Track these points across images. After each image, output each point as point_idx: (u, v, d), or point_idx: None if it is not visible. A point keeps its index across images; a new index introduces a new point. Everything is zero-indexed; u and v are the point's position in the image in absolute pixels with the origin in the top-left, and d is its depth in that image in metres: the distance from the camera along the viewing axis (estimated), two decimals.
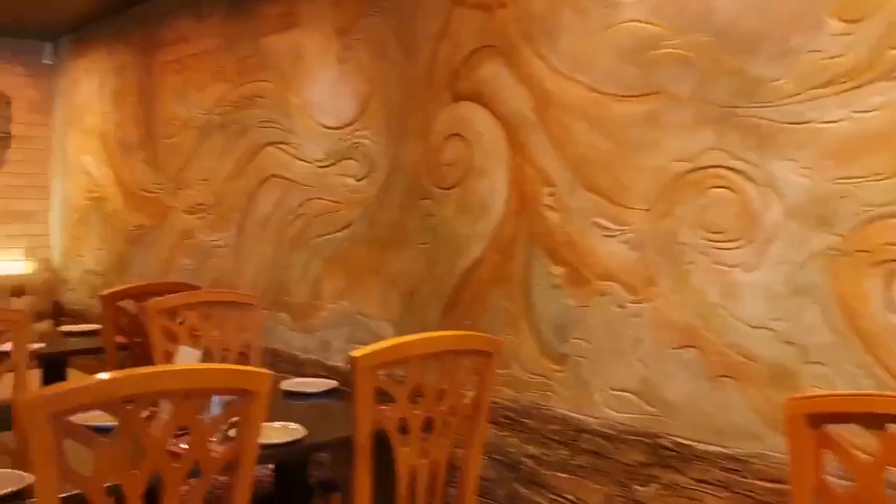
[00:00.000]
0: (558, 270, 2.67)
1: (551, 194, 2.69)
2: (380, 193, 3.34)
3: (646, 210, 2.43)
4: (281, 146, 3.85)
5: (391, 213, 3.29)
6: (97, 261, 5.45)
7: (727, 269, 2.25)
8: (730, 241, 2.26)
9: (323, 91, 3.62)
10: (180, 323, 3.42)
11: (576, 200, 2.61)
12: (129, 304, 3.98)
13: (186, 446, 1.87)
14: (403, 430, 2.22)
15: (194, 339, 3.43)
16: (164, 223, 4.75)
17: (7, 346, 3.01)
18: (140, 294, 4.07)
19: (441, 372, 2.26)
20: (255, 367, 3.60)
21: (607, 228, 2.53)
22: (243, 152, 4.09)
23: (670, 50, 2.36)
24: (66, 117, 5.85)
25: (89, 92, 5.52)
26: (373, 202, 3.37)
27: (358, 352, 2.08)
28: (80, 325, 4.94)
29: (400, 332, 3.26)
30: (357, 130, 3.45)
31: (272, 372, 1.88)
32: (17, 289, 5.72)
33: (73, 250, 5.76)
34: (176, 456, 1.85)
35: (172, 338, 3.46)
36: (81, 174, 5.63)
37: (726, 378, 2.25)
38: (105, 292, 3.83)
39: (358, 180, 3.45)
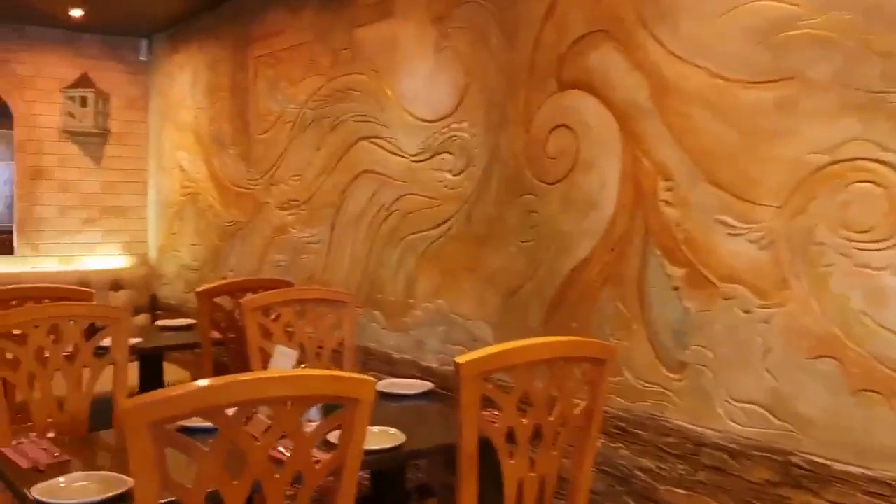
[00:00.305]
0: (677, 271, 2.47)
1: (669, 189, 2.49)
2: (478, 188, 3.20)
3: (777, 207, 2.22)
4: (375, 140, 3.75)
5: (490, 209, 3.15)
6: (193, 256, 5.49)
7: (873, 272, 2.03)
8: (876, 241, 2.03)
9: (418, 83, 3.50)
10: (274, 319, 3.37)
11: (697, 195, 2.42)
12: (224, 300, 3.96)
13: (287, 452, 1.80)
14: (510, 439, 2.09)
15: (289, 336, 3.37)
16: (258, 219, 4.73)
17: (107, 342, 3.01)
18: (235, 290, 4.06)
19: (550, 379, 2.11)
20: (348, 365, 3.54)
21: (732, 226, 2.33)
22: (336, 147, 4.02)
23: (808, 31, 2.14)
24: (161, 113, 5.92)
25: (183, 88, 5.56)
26: (470, 198, 3.24)
27: (463, 358, 1.95)
28: (175, 320, 4.99)
29: (499, 334, 3.12)
30: (454, 123, 3.32)
31: (367, 373, 1.76)
32: (116, 283, 5.83)
33: (168, 245, 5.83)
34: (278, 463, 1.77)
35: (267, 335, 3.42)
36: (176, 170, 5.69)
37: (871, 392, 2.03)
38: (201, 288, 3.82)
39: (454, 175, 3.32)
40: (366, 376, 1.81)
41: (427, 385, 3.19)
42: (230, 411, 1.65)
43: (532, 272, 2.96)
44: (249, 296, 4.00)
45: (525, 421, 2.10)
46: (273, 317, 3.39)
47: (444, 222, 3.36)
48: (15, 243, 5.60)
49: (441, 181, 3.38)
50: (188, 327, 4.84)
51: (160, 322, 5.00)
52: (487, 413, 2.08)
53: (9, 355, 2.78)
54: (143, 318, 5.85)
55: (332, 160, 4.05)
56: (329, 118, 4.07)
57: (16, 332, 2.86)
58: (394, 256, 3.66)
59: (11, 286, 3.72)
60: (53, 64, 5.70)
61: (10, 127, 5.55)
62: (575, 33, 2.79)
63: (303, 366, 2.67)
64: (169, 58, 5.77)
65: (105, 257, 5.95)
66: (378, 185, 3.74)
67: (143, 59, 6.04)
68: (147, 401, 1.58)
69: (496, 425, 2.09)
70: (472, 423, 2.04)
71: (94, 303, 3.63)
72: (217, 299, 3.92)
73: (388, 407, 3.05)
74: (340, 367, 3.49)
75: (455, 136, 3.31)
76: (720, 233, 2.36)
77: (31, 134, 5.61)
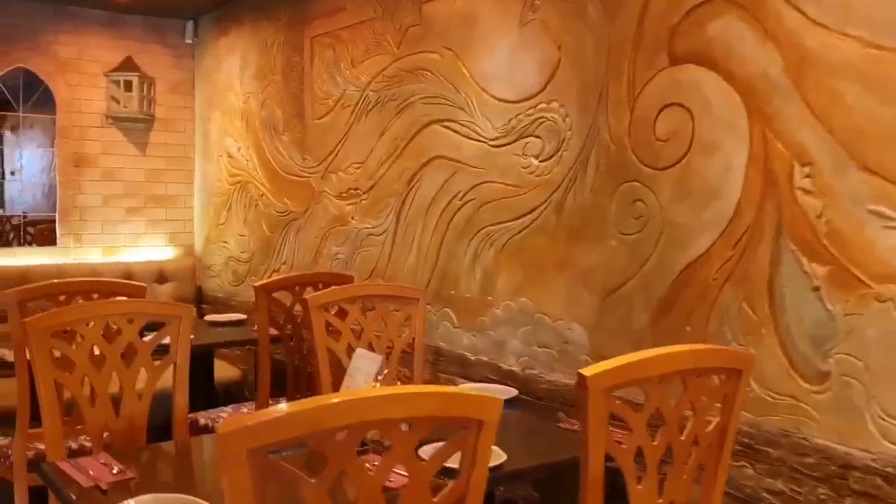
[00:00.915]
0: (818, 269, 2.16)
1: (808, 175, 2.18)
2: (570, 175, 2.91)
3: None
4: (447, 124, 3.47)
5: (585, 198, 2.85)
6: (241, 247, 5.25)
7: None
8: None
9: (499, 60, 3.21)
10: (337, 315, 3.12)
11: (844, 183, 2.10)
12: (282, 296, 3.71)
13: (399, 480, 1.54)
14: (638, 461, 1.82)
15: (356, 335, 3.12)
16: (314, 209, 4.47)
17: (165, 339, 2.77)
18: (294, 285, 3.80)
19: (683, 393, 1.83)
20: (419, 366, 3.26)
21: (890, 218, 2.01)
22: (403, 132, 3.74)
23: None
24: (207, 98, 5.68)
25: (232, 71, 5.31)
26: (561, 185, 2.94)
27: (589, 370, 1.66)
28: (225, 315, 4.75)
29: (596, 336, 2.82)
30: (542, 103, 3.02)
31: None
32: (161, 275, 5.60)
33: (215, 236, 5.59)
34: (391, 493, 1.51)
35: (334, 333, 3.16)
36: (224, 157, 5.45)
37: None
38: (259, 283, 3.57)
39: (542, 160, 3.02)
40: (494, 396, 1.53)
41: (511, 391, 2.92)
42: (340, 435, 1.39)
43: (636, 268, 2.66)
44: (313, 292, 3.76)
45: (655, 441, 1.82)
46: (334, 311, 3.14)
47: (529, 212, 3.07)
48: (57, 233, 5.39)
49: (525, 167, 3.09)
50: (239, 322, 4.61)
51: (209, 317, 4.76)
52: (617, 432, 1.81)
53: (56, 353, 2.55)
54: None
55: (398, 146, 3.77)
56: (395, 101, 3.79)
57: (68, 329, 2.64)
58: (468, 250, 3.37)
59: (58, 280, 3.49)
60: (96, 46, 5.47)
61: (50, 112, 5.33)
62: (690, 1, 2.48)
63: (384, 373, 2.39)
64: (216, 40, 5.52)
65: (149, 248, 5.73)
66: (451, 173, 3.46)
67: (188, 41, 5.79)
68: (248, 425, 1.32)
69: (624, 446, 1.81)
70: (600, 442, 1.76)
71: (160, 300, 3.38)
72: (275, 294, 3.67)
73: None
74: (410, 368, 3.24)
75: (543, 117, 3.01)
76: (874, 226, 2.05)
77: (74, 119, 5.39)
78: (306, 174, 4.54)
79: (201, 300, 5.76)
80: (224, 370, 4.92)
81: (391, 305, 3.25)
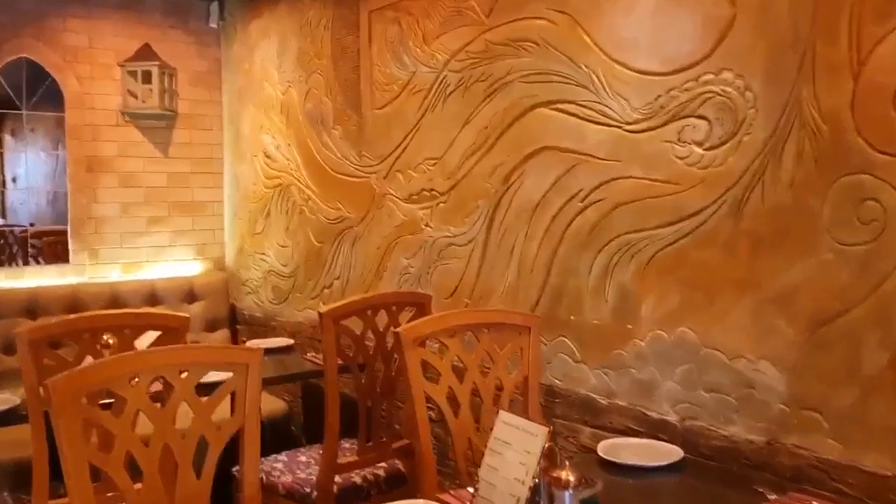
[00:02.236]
0: None
1: None
2: (756, 167, 2.20)
3: None
4: (561, 106, 2.77)
5: (780, 197, 2.15)
6: (283, 259, 4.55)
7: None
8: None
9: (640, 22, 2.51)
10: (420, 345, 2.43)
11: None
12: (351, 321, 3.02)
13: None
14: None
15: (458, 375, 2.44)
16: (375, 214, 3.77)
17: (218, 376, 2.09)
18: (365, 308, 3.11)
19: None
20: (535, 412, 2.56)
21: None
22: (496, 119, 3.04)
23: None
24: (237, 90, 4.98)
25: (268, 58, 4.61)
26: (741, 180, 2.24)
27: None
28: (269, 340, 4.08)
29: (798, 381, 2.12)
30: (707, 74, 2.32)
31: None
32: (189, 293, 4.91)
33: (251, 247, 4.89)
34: None
35: (433, 376, 2.47)
36: (259, 157, 4.75)
37: None
38: (326, 308, 2.89)
39: (708, 148, 2.32)
40: None
41: (674, 452, 2.24)
42: None
43: (866, 291, 1.96)
44: (387, 316, 3.10)
45: None
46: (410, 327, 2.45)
47: (691, 216, 2.37)
48: (69, 248, 4.69)
49: (683, 158, 2.38)
50: (286, 349, 3.95)
51: (251, 343, 4.08)
52: None
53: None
54: (221, 335, 4.93)
55: (490, 136, 3.07)
56: (484, 81, 3.09)
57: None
58: (595, 264, 2.67)
59: (82, 315, 2.79)
60: (110, 33, 4.77)
61: (57, 109, 4.63)
62: None
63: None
64: (246, 23, 4.83)
65: (174, 263, 5.04)
66: (567, 166, 2.76)
67: (213, 25, 5.09)
68: None
69: None
70: None
71: (221, 344, 2.70)
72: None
73: (625, 487, 2.11)
74: (525, 413, 2.54)
75: (709, 92, 2.31)
76: None
77: (86, 117, 4.69)
78: (364, 174, 3.84)
79: (235, 320, 5.07)
80: (267, 402, 4.23)
81: (497, 336, 2.57)
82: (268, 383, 3.45)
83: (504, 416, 1.85)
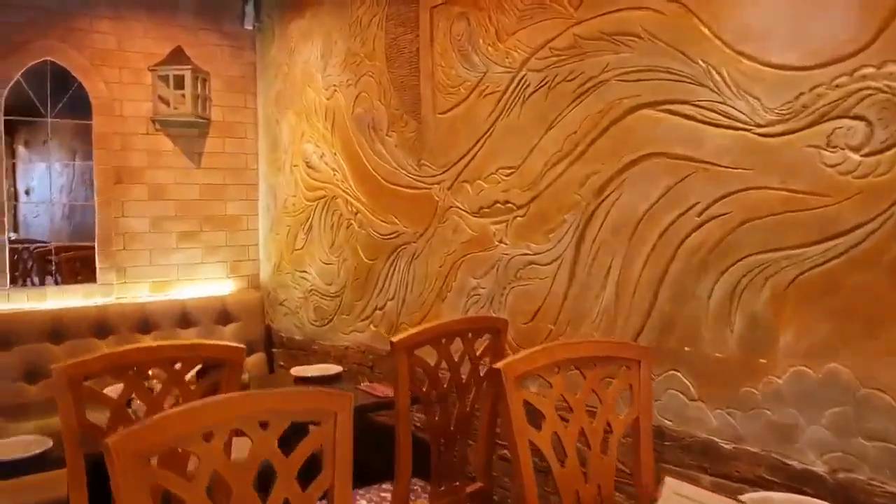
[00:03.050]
0: None
1: None
2: None
3: None
4: (673, 107, 2.42)
5: None
6: (328, 278, 4.21)
7: None
8: None
9: (773, 9, 2.16)
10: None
11: None
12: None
13: None
14: None
15: (562, 417, 2.10)
16: (437, 229, 3.43)
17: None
18: (439, 336, 2.77)
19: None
20: (647, 456, 2.20)
21: None
22: (588, 122, 2.70)
23: None
24: (275, 96, 4.66)
25: (310, 61, 4.29)
26: None
27: None
28: (315, 367, 3.74)
29: None
30: (865, 67, 1.97)
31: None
32: (223, 315, 4.57)
33: (290, 264, 4.56)
34: None
35: (535, 417, 2.12)
36: (300, 168, 4.42)
37: None
38: (399, 338, 2.55)
39: (867, 154, 1.97)
40: None
41: None
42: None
43: None
44: (462, 344, 2.77)
45: None
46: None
47: (846, 233, 2.02)
48: (97, 266, 4.35)
49: (835, 165, 2.04)
50: (335, 377, 3.62)
51: (296, 370, 3.76)
52: None
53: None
54: (256, 359, 4.59)
55: (580, 142, 2.73)
56: (572, 81, 2.75)
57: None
58: (716, 288, 2.32)
59: (128, 348, 2.44)
60: (139, 35, 4.46)
61: (80, 116, 4.30)
62: None
63: None
64: (286, 24, 4.50)
65: (207, 281, 4.70)
66: (679, 176, 2.41)
67: (248, 27, 4.77)
68: None
69: None
70: None
71: (302, 389, 2.40)
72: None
73: None
74: (637, 460, 2.20)
75: (870, 88, 1.96)
76: None
77: (114, 125, 4.37)
78: (424, 185, 3.50)
79: (270, 343, 4.72)
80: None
81: (601, 370, 2.22)
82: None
83: (671, 482, 1.49)
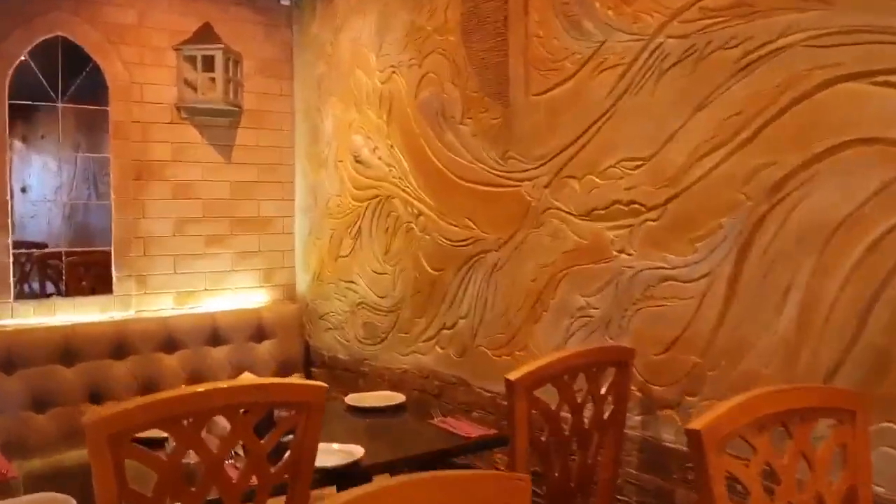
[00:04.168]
0: None
1: None
2: None
3: None
4: (891, 78, 1.84)
5: None
6: (381, 289, 3.63)
7: None
8: None
9: None
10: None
11: None
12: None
13: None
14: None
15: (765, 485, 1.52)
16: (529, 235, 2.84)
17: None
18: (562, 372, 2.20)
19: None
20: None
21: None
22: (758, 100, 2.12)
23: None
24: (315, 81, 4.08)
25: (360, 39, 3.71)
26: None
27: None
28: (371, 395, 3.19)
29: None
30: None
31: None
32: (257, 331, 3.98)
33: (333, 273, 3.97)
34: None
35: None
36: (346, 163, 3.84)
37: None
38: (517, 375, 2.01)
39: None
40: None
41: None
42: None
43: None
44: (586, 381, 2.21)
45: None
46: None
47: None
48: (113, 275, 3.76)
49: None
50: (399, 408, 3.06)
51: (350, 399, 3.19)
52: None
53: None
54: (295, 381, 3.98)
55: (746, 126, 2.15)
56: (735, 49, 2.17)
57: None
58: None
59: (183, 392, 1.84)
60: (162, 10, 3.87)
61: (89, 101, 3.71)
62: None
63: None
64: None
65: (237, 292, 4.11)
66: None
67: (284, 2, 4.19)
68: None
69: None
70: None
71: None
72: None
73: None
74: None
75: None
76: None
77: (133, 112, 3.79)
78: (511, 182, 2.92)
79: (309, 362, 4.14)
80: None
81: (808, 425, 1.66)
82: (409, 464, 2.51)
83: None
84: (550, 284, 2.77)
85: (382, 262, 3.63)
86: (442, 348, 3.29)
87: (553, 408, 2.17)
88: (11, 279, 3.49)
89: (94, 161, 3.82)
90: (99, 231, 3.80)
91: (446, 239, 3.24)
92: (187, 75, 3.87)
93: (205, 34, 3.89)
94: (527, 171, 2.85)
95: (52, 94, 3.61)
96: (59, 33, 3.59)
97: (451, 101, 3.18)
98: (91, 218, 3.82)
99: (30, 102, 3.59)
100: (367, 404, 3.08)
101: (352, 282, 3.84)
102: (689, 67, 2.29)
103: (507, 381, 2.04)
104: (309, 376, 4.10)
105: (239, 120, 4.09)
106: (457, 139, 3.16)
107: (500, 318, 2.99)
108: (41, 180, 3.73)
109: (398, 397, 3.19)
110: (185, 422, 1.74)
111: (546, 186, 2.77)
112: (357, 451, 2.45)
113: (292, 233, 4.29)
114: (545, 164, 2.78)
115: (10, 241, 3.47)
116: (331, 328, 4.02)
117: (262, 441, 1.87)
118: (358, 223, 3.78)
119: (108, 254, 3.75)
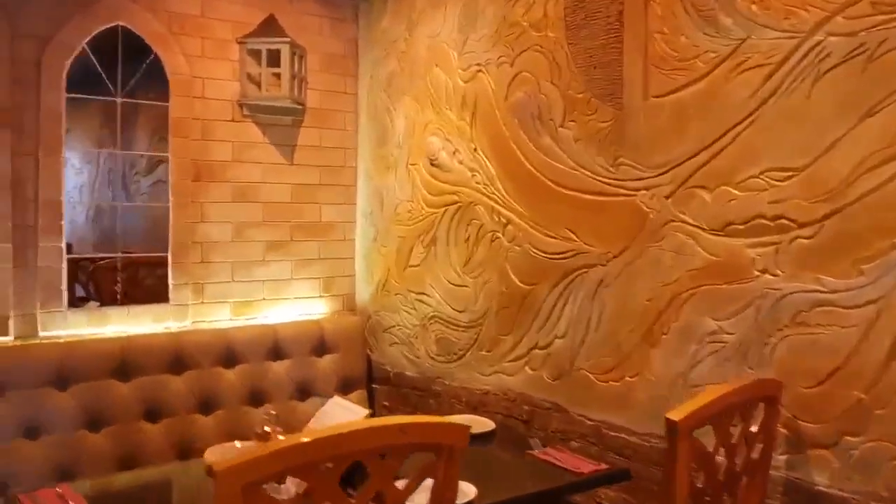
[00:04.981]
0: None
1: None
2: None
3: None
4: None
5: None
6: (458, 303, 3.39)
7: None
8: None
9: None
10: None
11: None
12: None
13: None
14: None
15: None
16: (645, 249, 2.59)
17: None
18: (721, 412, 1.95)
19: None
20: None
21: None
22: None
23: None
24: (386, 79, 3.83)
25: (441, 35, 3.47)
26: None
27: None
28: (459, 419, 2.92)
29: None
30: None
31: None
32: (319, 344, 3.74)
33: (401, 283, 3.73)
34: None
35: None
36: (421, 166, 3.59)
37: None
38: (678, 416, 1.72)
39: None
40: None
41: None
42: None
43: None
44: (742, 422, 1.97)
45: None
46: None
47: None
48: (170, 283, 3.51)
49: None
50: (489, 436, 2.84)
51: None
52: None
53: None
54: (356, 399, 3.75)
55: None
56: None
57: None
58: None
59: (315, 437, 1.65)
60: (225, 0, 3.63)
61: (148, 96, 3.47)
62: None
63: None
64: None
65: (294, 302, 3.87)
66: None
67: None
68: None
69: None
70: None
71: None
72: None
73: None
74: None
75: None
76: None
77: (195, 109, 3.54)
78: (624, 190, 2.66)
79: (371, 378, 3.89)
80: None
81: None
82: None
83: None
84: (672, 305, 2.52)
85: (461, 273, 3.38)
86: (533, 370, 3.04)
87: (710, 449, 1.93)
88: (64, 286, 3.23)
89: (151, 161, 3.58)
90: (154, 235, 3.56)
91: (540, 251, 2.99)
92: (250, 70, 3.62)
93: (269, 27, 3.65)
94: (643, 179, 2.60)
95: (110, 87, 3.36)
96: (120, 22, 3.34)
97: (550, 102, 2.93)
98: (145, 221, 3.58)
99: (88, 96, 3.34)
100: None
101: (423, 293, 3.59)
102: (856, 68, 2.04)
103: (670, 421, 1.79)
104: (371, 393, 3.85)
105: (302, 118, 3.84)
106: (555, 143, 2.92)
107: (607, 339, 2.74)
108: (96, 180, 3.48)
109: (487, 423, 2.96)
110: (322, 468, 1.50)
111: (668, 197, 2.52)
112: (469, 490, 2.20)
113: (352, 239, 4.04)
114: (667, 171, 2.52)
115: (63, 244, 3.22)
116: (397, 342, 3.77)
117: (399, 488, 1.63)
118: (432, 231, 3.53)
119: (165, 260, 3.50)
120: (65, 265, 3.23)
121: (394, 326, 3.79)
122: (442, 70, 3.46)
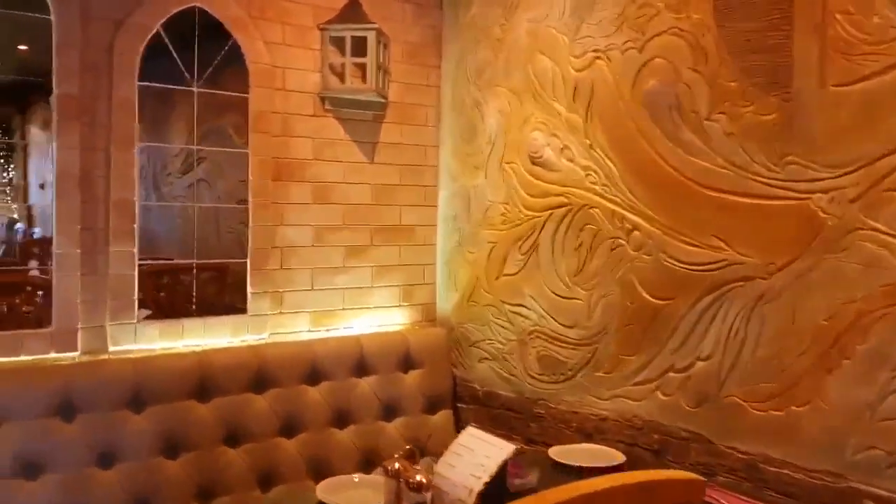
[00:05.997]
0: None
1: None
2: None
3: None
4: None
5: None
6: (568, 317, 3.07)
7: None
8: None
9: None
10: None
11: None
12: None
13: None
14: None
15: None
16: (823, 261, 2.27)
17: None
18: None
19: None
20: None
21: None
22: None
23: None
24: (475, 69, 3.51)
25: (548, 20, 3.15)
26: None
27: None
28: (583, 448, 2.64)
29: None
30: None
31: None
32: (405, 359, 3.41)
33: (491, 293, 3.41)
34: None
35: None
36: (519, 165, 3.27)
37: None
38: None
39: None
40: None
41: None
42: None
43: None
44: None
45: None
46: None
47: None
48: (248, 292, 3.18)
49: None
50: (616, 468, 2.53)
51: (554, 452, 2.65)
52: None
53: None
54: (441, 419, 3.44)
55: None
56: None
57: None
58: None
59: (553, 497, 1.27)
60: None
61: (226, 86, 3.14)
62: None
63: None
64: None
65: (374, 312, 3.54)
66: None
67: None
68: None
69: None
70: None
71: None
72: None
73: None
74: None
75: None
76: None
77: (275, 102, 3.22)
78: (793, 193, 2.34)
79: (455, 397, 3.56)
80: None
81: None
82: None
83: None
84: (858, 325, 2.20)
85: (570, 284, 3.06)
86: (667, 395, 2.71)
87: None
88: (136, 296, 2.91)
89: (225, 157, 3.26)
90: (229, 239, 3.24)
91: (678, 261, 2.67)
92: (332, 60, 3.30)
93: (353, 12, 3.33)
94: (820, 180, 2.28)
95: (187, 75, 3.04)
96: (197, 3, 3.02)
97: (693, 92, 2.61)
98: (220, 224, 3.26)
99: (163, 85, 3.02)
100: (579, 462, 2.54)
101: (521, 305, 3.27)
102: None
103: None
104: (456, 413, 3.53)
105: (384, 113, 3.52)
106: (699, 138, 2.59)
107: (767, 362, 2.42)
108: (170, 179, 3.16)
109: (615, 455, 2.65)
110: None
111: (854, 200, 2.20)
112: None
113: (433, 244, 3.72)
114: (853, 172, 2.21)
115: (136, 249, 2.89)
116: (487, 358, 3.44)
117: None
118: (533, 236, 3.21)
119: (243, 267, 3.17)
120: (136, 272, 2.90)
121: (483, 340, 3.46)
122: (548, 58, 3.14)
